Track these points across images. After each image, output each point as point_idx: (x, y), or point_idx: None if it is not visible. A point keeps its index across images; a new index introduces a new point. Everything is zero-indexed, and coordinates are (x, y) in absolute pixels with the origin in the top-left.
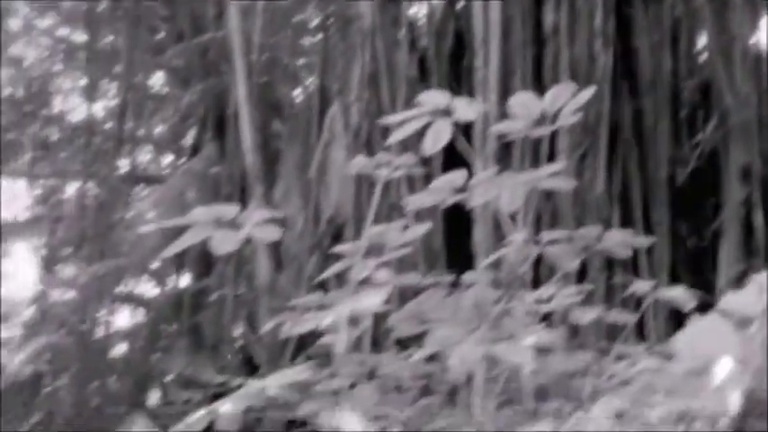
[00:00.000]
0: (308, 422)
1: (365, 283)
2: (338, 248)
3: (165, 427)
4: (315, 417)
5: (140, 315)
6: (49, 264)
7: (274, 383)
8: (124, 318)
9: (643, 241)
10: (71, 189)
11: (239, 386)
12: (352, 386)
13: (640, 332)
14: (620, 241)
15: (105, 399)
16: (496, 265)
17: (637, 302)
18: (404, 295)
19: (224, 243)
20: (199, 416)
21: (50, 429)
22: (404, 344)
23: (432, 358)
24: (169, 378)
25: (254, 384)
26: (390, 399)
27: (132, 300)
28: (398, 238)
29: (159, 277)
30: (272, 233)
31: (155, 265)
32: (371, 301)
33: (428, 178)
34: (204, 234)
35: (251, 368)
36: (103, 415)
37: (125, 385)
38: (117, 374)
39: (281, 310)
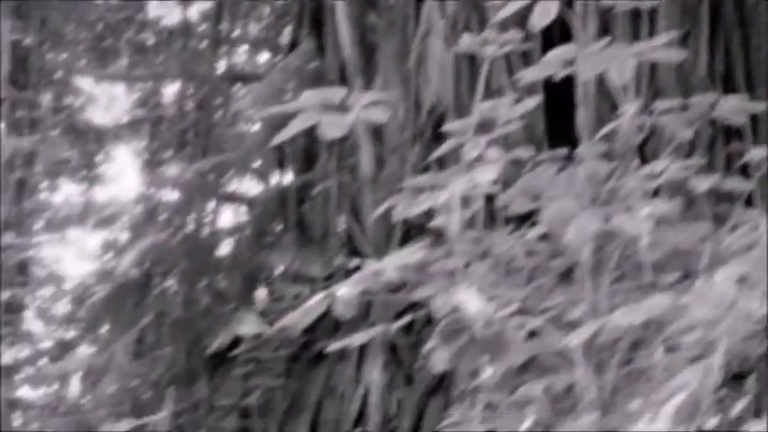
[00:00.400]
0: (424, 305)
1: (474, 162)
2: (447, 126)
3: (274, 324)
4: (431, 299)
5: (244, 214)
6: (151, 165)
7: (390, 265)
8: (228, 217)
9: (758, 106)
10: (169, 91)
11: (355, 269)
12: (467, 266)
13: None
14: (734, 107)
15: (214, 297)
16: (608, 139)
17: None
18: (509, 179)
19: (332, 128)
20: (317, 300)
21: (161, 330)
22: (515, 225)
23: (544, 237)
24: (276, 274)
25: (370, 267)
26: (505, 278)
27: (236, 198)
28: (508, 114)
29: (262, 174)
30: (380, 115)
31: (257, 163)
32: (485, 175)
33: (526, 61)
34: (312, 120)
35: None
36: (212, 314)
37: (233, 283)
38: (224, 273)
39: (386, 200)
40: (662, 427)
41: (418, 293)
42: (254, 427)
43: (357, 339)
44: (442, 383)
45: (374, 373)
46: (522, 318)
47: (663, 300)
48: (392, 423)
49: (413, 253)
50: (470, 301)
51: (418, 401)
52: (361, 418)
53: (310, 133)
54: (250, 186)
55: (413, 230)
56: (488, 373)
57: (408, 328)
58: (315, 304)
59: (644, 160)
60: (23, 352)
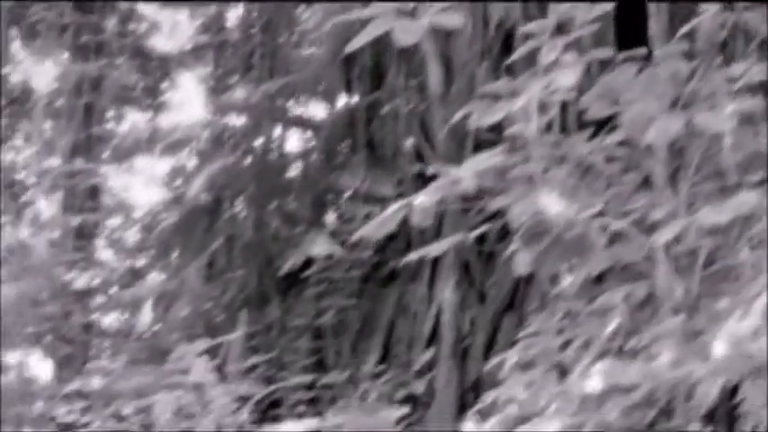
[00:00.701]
0: (499, 217)
1: (550, 67)
2: (525, 28)
3: (344, 244)
4: (509, 208)
5: (312, 137)
6: (216, 91)
7: (468, 171)
8: (296, 141)
9: None
10: (233, 15)
11: (432, 177)
12: (545, 172)
13: None
14: None
15: (284, 220)
16: (687, 38)
17: None
18: (582, 87)
19: (405, 33)
20: (394, 209)
21: (231, 254)
22: (592, 131)
23: (622, 144)
24: (347, 195)
25: (447, 175)
26: (584, 183)
27: (303, 122)
28: (585, 15)
29: (329, 96)
30: (453, 20)
31: (324, 84)
32: (565, 79)
33: None
34: (385, 26)
35: (427, 179)
36: (283, 236)
37: (303, 205)
38: (294, 195)
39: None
40: (753, 323)
41: (496, 202)
42: (327, 348)
43: (433, 250)
44: (515, 301)
45: (446, 292)
46: (605, 219)
47: (750, 197)
48: (465, 341)
49: (491, 158)
50: (552, 203)
51: (491, 319)
52: (434, 336)
53: (377, 53)
54: (317, 110)
55: (483, 146)
56: (568, 280)
57: (481, 246)
58: (392, 214)
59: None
60: (95, 280)
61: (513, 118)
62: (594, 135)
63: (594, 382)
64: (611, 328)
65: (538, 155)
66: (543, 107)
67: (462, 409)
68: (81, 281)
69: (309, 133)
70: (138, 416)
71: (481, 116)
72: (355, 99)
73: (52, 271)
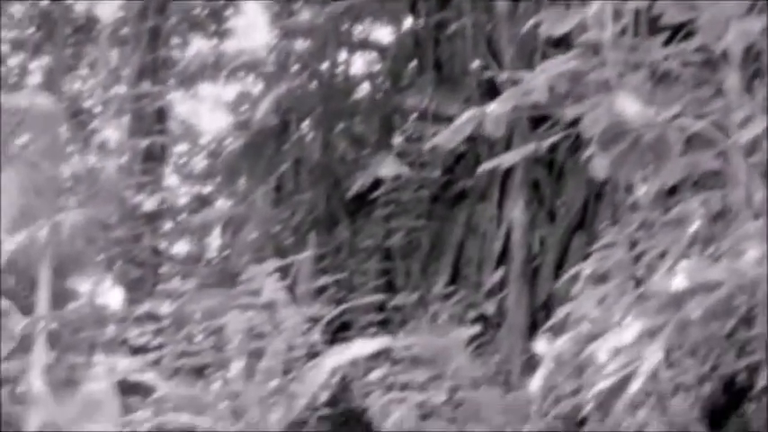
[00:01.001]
0: (570, 128)
1: None
2: None
3: (412, 165)
4: (581, 117)
5: (377, 60)
6: (281, 16)
7: (544, 74)
8: (362, 64)
9: None
10: None
11: (499, 93)
12: (621, 77)
13: None
14: None
15: (351, 142)
16: None
17: None
18: None
19: None
20: (466, 117)
21: (299, 177)
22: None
23: (698, 50)
24: (414, 115)
25: (519, 84)
26: (661, 88)
27: (368, 45)
28: None
29: (395, 18)
30: None
31: (389, 7)
32: None
33: None
34: None
35: (493, 96)
36: (350, 158)
37: (370, 126)
38: (361, 116)
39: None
40: None
41: (570, 111)
42: (396, 269)
43: (505, 159)
44: (585, 219)
45: (516, 211)
46: (683, 121)
47: None
48: (536, 260)
49: (566, 61)
50: (629, 106)
51: (561, 238)
52: (503, 256)
53: None
54: (383, 33)
55: (549, 52)
56: (643, 190)
57: (550, 165)
58: (464, 122)
59: None
60: (164, 204)
61: (586, 26)
62: (669, 41)
63: (679, 280)
64: (689, 233)
65: (613, 60)
66: (617, 13)
67: (533, 328)
68: (149, 204)
69: (375, 56)
70: (209, 338)
71: (552, 24)
72: (421, 20)
73: (121, 195)
